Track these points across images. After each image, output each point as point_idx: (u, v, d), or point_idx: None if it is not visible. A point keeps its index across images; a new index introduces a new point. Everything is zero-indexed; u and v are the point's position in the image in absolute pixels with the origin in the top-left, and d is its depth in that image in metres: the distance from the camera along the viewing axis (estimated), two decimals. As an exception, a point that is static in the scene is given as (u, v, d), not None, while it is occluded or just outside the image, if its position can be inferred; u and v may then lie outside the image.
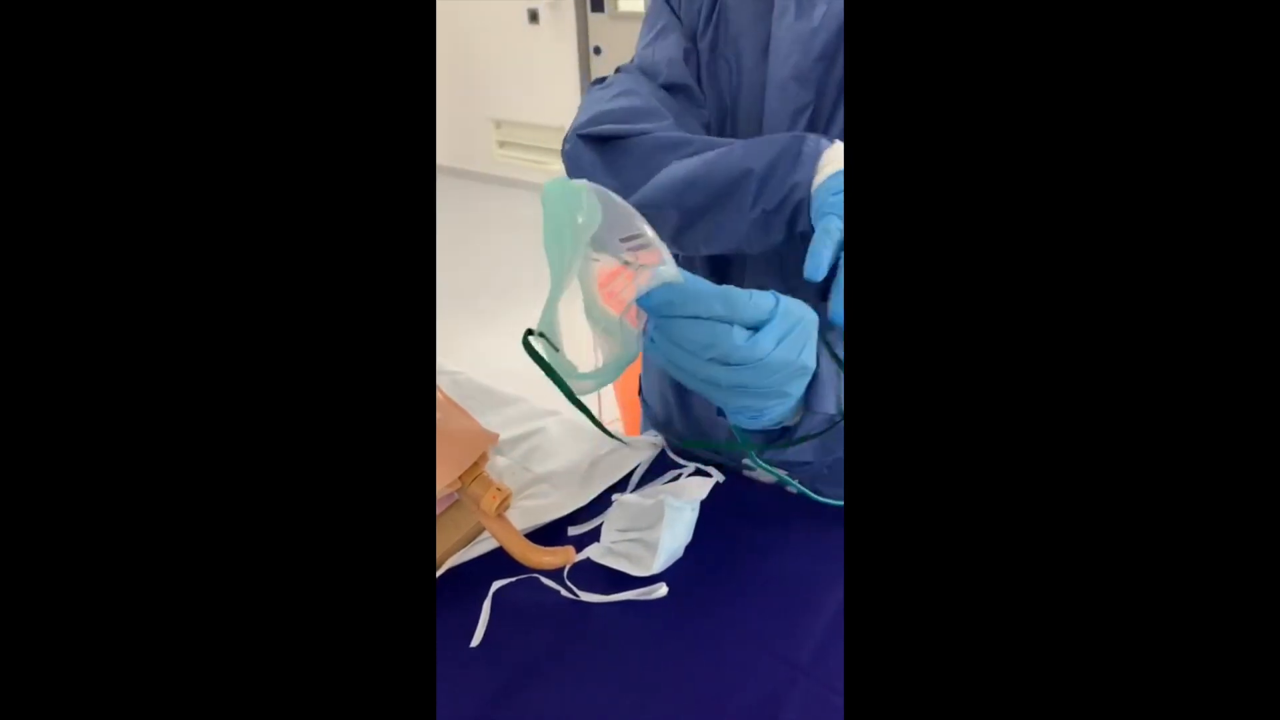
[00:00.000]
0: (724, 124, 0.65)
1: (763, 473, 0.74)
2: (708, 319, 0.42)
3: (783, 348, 0.43)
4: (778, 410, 0.47)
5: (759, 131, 0.61)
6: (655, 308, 0.43)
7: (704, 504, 0.69)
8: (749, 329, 0.43)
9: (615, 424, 2.05)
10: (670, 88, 0.65)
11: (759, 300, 0.43)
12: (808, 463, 0.66)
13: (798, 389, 0.46)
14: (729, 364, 0.43)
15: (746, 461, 0.75)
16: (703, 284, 0.43)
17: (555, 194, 0.42)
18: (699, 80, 0.66)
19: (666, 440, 0.78)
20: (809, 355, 0.45)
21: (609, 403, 2.20)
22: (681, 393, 0.79)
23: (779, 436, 0.61)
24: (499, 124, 4.55)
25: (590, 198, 0.41)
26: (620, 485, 0.72)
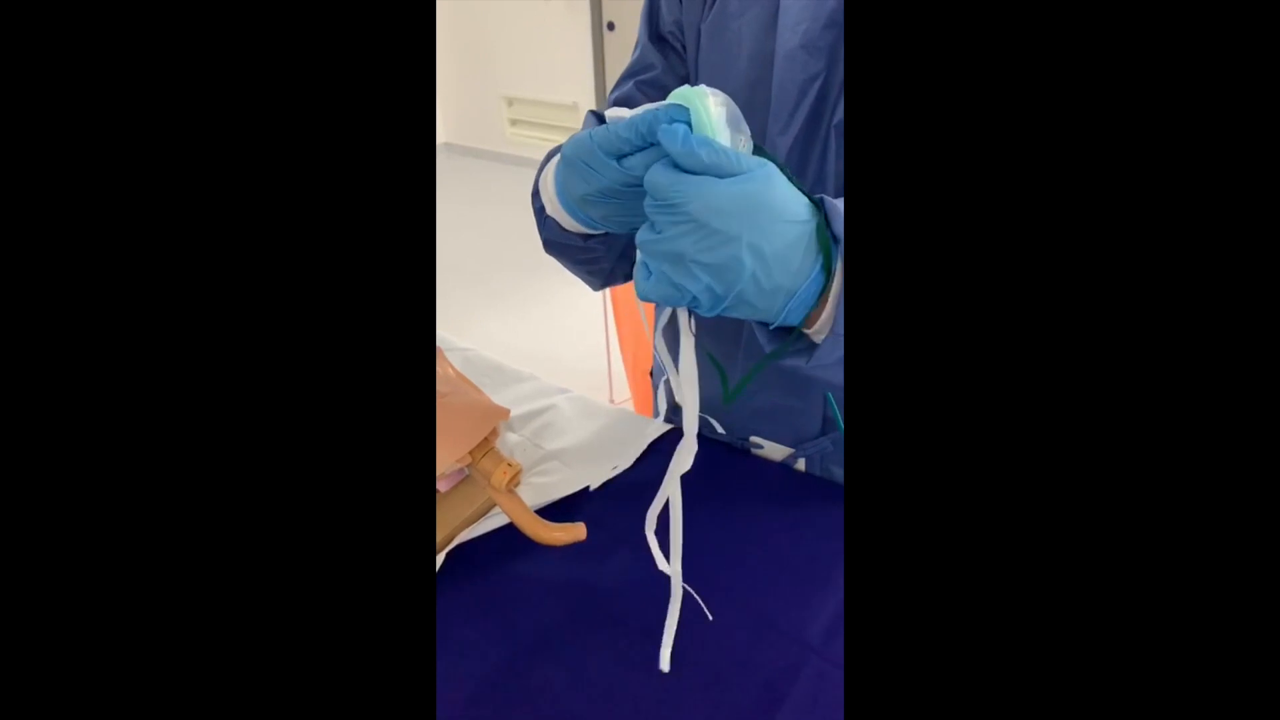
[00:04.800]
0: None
1: (771, 450, 0.74)
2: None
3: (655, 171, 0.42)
4: (722, 273, 0.41)
5: (768, 106, 0.60)
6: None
7: (714, 482, 0.69)
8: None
9: (626, 404, 2.06)
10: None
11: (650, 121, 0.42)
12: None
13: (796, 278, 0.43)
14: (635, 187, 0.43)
15: (755, 439, 0.75)
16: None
17: (697, 99, 0.44)
18: (696, 65, 0.66)
19: (674, 420, 0.78)
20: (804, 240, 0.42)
21: (620, 383, 2.20)
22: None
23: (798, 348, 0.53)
24: (511, 101, 4.52)
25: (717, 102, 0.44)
26: (631, 463, 0.72)
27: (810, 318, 0.46)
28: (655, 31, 0.69)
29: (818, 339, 0.47)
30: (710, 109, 0.44)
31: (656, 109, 0.43)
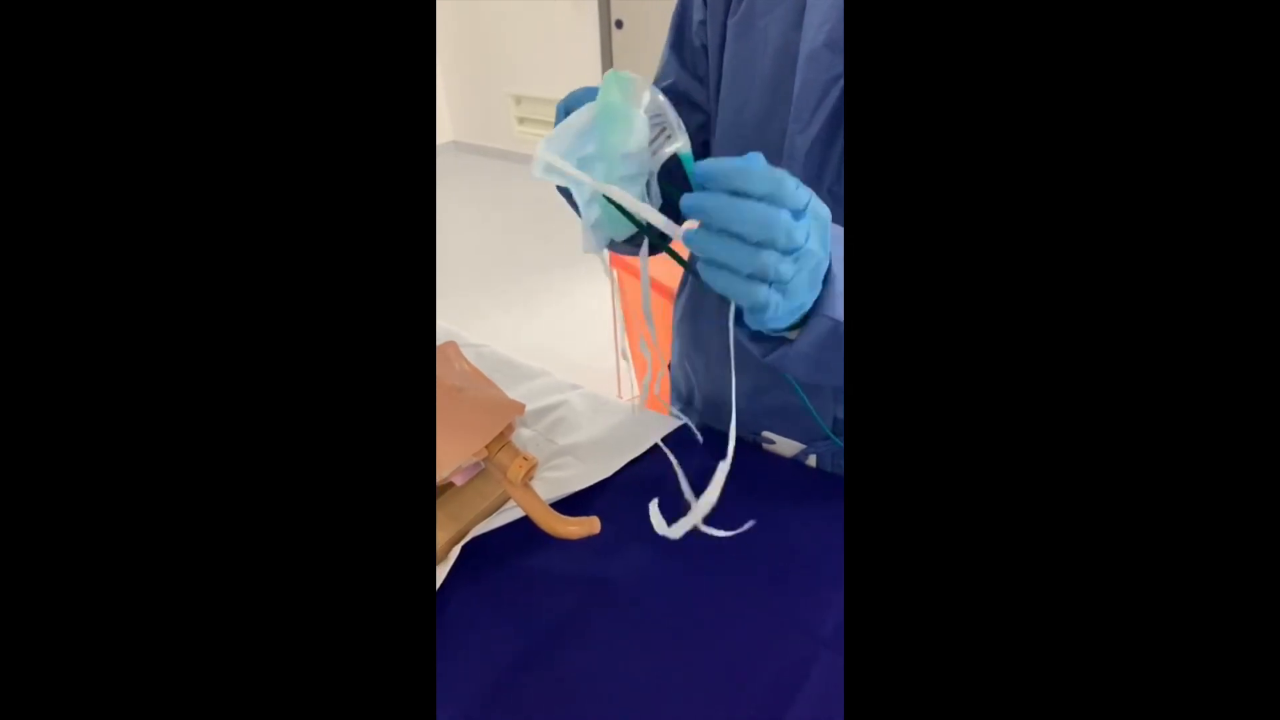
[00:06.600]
0: (753, 101, 0.64)
1: (783, 446, 0.74)
2: (758, 199, 0.40)
3: (813, 240, 0.42)
4: (792, 307, 0.45)
5: (789, 105, 0.61)
6: (707, 172, 0.41)
7: (726, 477, 0.69)
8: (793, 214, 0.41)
9: (636, 400, 2.06)
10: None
11: (800, 189, 0.41)
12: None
13: (815, 289, 0.45)
14: (781, 251, 0.41)
15: (767, 434, 0.75)
16: (750, 160, 0.41)
17: (615, 82, 0.47)
18: (721, 63, 0.66)
19: (688, 416, 0.78)
20: (826, 253, 0.45)
21: (629, 379, 2.20)
22: (704, 367, 0.80)
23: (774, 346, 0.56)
24: (519, 99, 4.52)
25: (640, 89, 0.47)
26: (643, 458, 0.72)
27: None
28: (676, 38, 0.70)
29: (792, 334, 0.50)
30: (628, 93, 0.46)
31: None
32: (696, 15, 0.68)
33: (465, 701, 0.50)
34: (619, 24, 3.81)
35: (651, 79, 0.49)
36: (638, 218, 0.49)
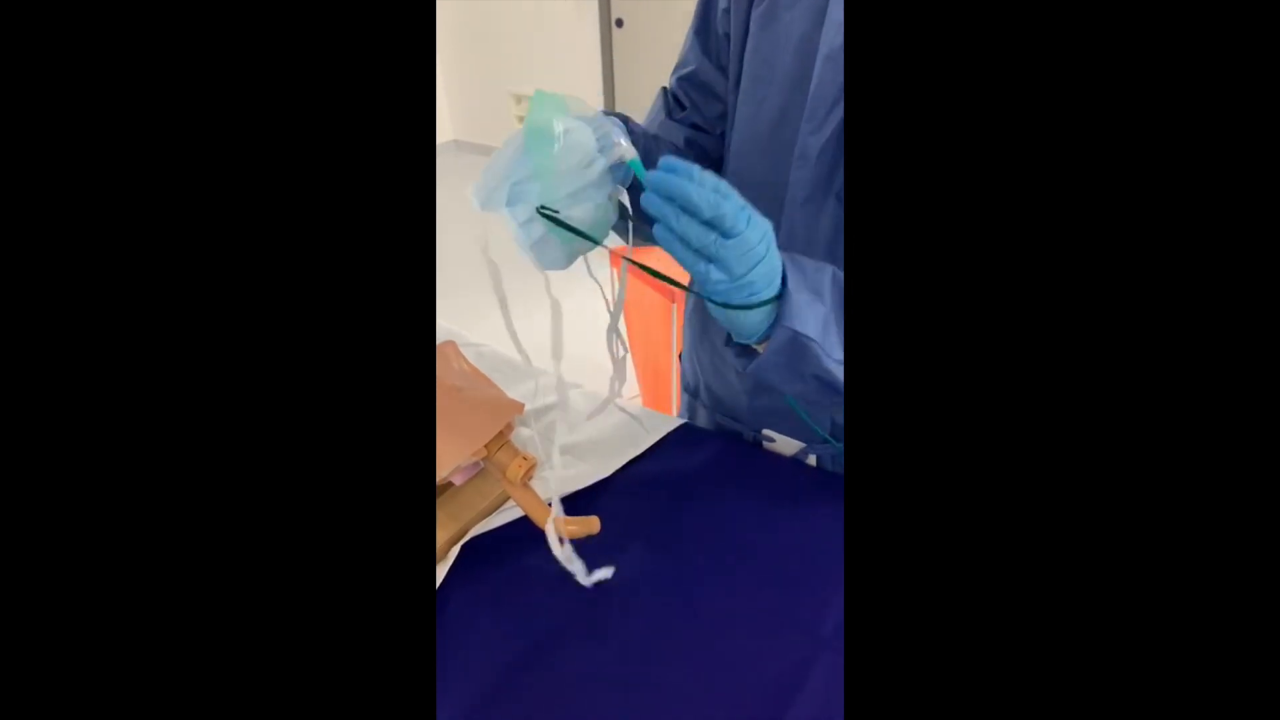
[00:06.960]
0: (772, 97, 0.64)
1: (783, 445, 0.74)
2: (710, 189, 0.47)
3: (753, 229, 0.48)
4: (735, 283, 0.50)
5: (804, 102, 0.60)
6: (666, 164, 0.48)
7: (726, 476, 0.69)
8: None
9: (635, 399, 2.06)
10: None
11: (736, 195, 0.48)
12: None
13: (764, 285, 0.50)
14: (724, 235, 0.47)
15: (767, 432, 0.75)
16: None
17: (540, 102, 0.49)
18: (741, 57, 0.66)
19: (693, 412, 0.78)
20: (773, 256, 0.50)
21: (630, 378, 2.20)
22: (709, 360, 0.80)
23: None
24: (519, 99, 4.52)
25: (573, 106, 0.48)
26: (643, 457, 0.72)
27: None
28: (700, 24, 0.70)
29: (760, 348, 0.55)
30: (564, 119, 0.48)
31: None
32: (721, 2, 0.67)
33: (465, 701, 0.50)
34: (619, 23, 3.81)
35: (573, 94, 0.51)
36: (585, 231, 0.50)
